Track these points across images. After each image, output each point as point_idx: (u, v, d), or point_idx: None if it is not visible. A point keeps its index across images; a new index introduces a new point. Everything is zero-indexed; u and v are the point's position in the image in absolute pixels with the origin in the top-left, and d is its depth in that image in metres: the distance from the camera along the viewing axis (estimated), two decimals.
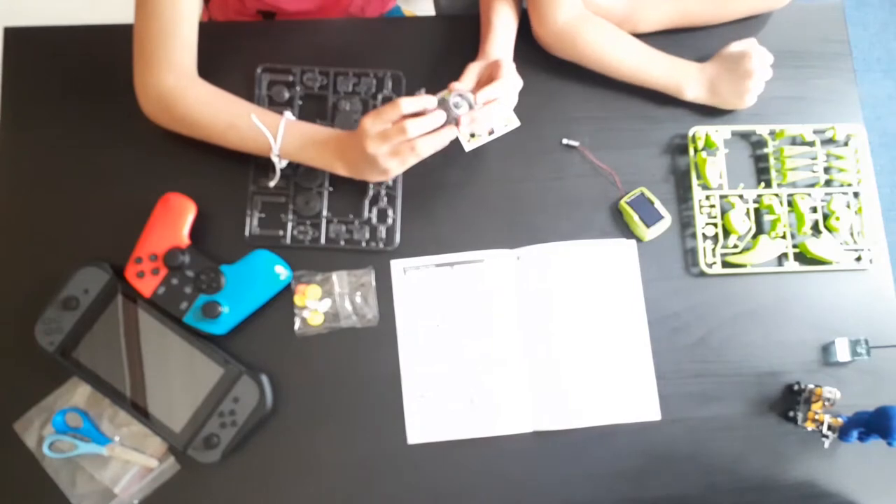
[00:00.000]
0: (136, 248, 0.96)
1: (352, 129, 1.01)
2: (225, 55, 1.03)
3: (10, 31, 1.06)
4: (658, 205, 1.02)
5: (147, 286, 0.95)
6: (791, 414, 0.98)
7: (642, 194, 1.03)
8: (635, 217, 1.01)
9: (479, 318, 1.00)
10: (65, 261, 0.97)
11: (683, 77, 1.04)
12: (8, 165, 1.03)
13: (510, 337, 1.00)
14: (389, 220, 1.02)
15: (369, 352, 0.99)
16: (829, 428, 0.94)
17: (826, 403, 0.95)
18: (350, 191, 1.02)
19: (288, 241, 1.01)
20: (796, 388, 0.99)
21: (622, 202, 1.03)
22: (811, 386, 0.97)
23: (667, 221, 1.02)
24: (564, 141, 1.05)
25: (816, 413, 0.95)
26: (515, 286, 1.01)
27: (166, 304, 0.96)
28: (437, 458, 0.97)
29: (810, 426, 0.96)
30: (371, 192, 1.03)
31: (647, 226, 1.01)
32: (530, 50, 1.05)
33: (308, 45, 1.08)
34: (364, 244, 1.01)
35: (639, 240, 1.03)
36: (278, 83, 1.05)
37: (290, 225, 1.01)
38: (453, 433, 0.98)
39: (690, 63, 1.06)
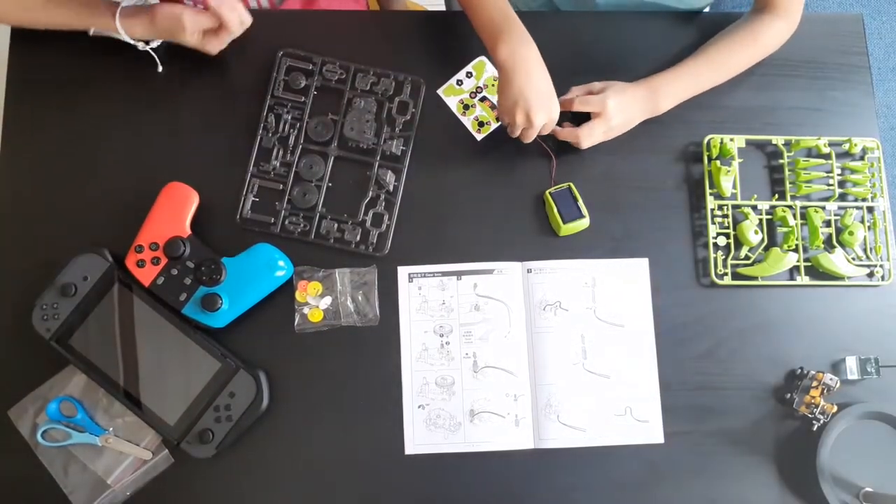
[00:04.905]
0: (137, 235, 0.95)
1: (362, 128, 1.02)
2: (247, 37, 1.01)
3: None
4: (581, 203, 1.00)
5: (146, 275, 0.94)
6: (788, 396, 0.97)
7: (569, 189, 1.01)
8: (555, 209, 1.00)
9: (484, 330, 0.99)
10: (66, 248, 0.95)
11: None
12: (12, 150, 1.01)
13: (515, 351, 0.99)
14: (383, 226, 1.00)
15: (369, 352, 0.98)
16: (822, 412, 0.94)
17: (825, 390, 0.95)
18: (349, 189, 1.01)
19: (278, 229, 0.99)
20: (799, 372, 0.98)
21: (546, 192, 1.01)
22: (813, 371, 0.96)
23: (585, 221, 1.00)
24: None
25: (813, 398, 0.95)
26: (523, 299, 1.00)
27: (165, 294, 0.94)
28: (435, 469, 0.96)
29: (804, 411, 0.95)
30: (370, 195, 1.01)
31: (564, 221, 1.00)
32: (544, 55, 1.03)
33: (321, 34, 1.07)
34: (353, 246, 0.99)
35: (554, 232, 1.02)
36: (297, 70, 1.03)
37: (282, 214, 1.00)
38: (452, 446, 0.96)
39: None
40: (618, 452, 0.97)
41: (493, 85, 1.06)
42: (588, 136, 1.00)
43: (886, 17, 2.14)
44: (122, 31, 0.94)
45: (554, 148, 1.03)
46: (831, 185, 1.04)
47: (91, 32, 1.00)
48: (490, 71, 1.06)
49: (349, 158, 1.02)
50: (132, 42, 0.97)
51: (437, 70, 1.06)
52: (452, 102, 1.05)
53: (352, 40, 1.07)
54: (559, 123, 0.99)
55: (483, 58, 1.06)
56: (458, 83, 1.06)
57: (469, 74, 1.06)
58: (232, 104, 1.04)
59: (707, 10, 1.25)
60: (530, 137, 0.98)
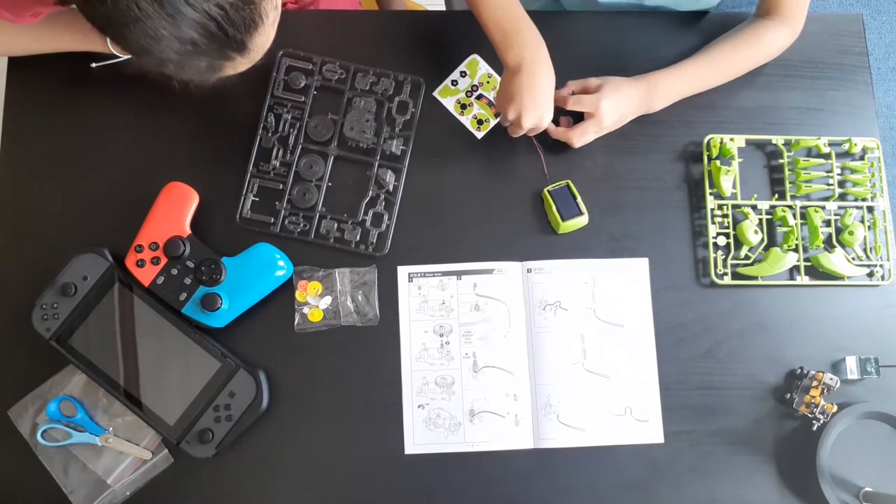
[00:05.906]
0: (137, 235, 0.95)
1: (362, 128, 1.02)
2: None
3: None
4: (580, 200, 1.00)
5: (146, 275, 0.94)
6: (788, 396, 0.97)
7: (567, 186, 1.01)
8: (554, 207, 1.00)
9: (484, 329, 0.99)
10: (66, 248, 0.95)
11: None
12: (12, 149, 1.01)
13: (515, 350, 0.98)
14: (383, 226, 1.00)
15: (369, 352, 0.98)
16: (822, 412, 0.93)
17: (825, 390, 0.95)
18: (349, 189, 1.01)
19: (277, 229, 0.99)
20: (799, 371, 0.98)
21: (545, 190, 1.01)
22: (813, 371, 0.96)
23: (584, 219, 1.01)
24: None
25: (813, 397, 0.95)
26: (522, 299, 1.00)
27: (165, 294, 0.94)
28: (434, 469, 0.96)
29: (804, 411, 0.95)
30: (370, 194, 1.01)
31: (563, 219, 1.00)
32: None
33: (321, 34, 1.07)
34: (353, 245, 0.99)
35: (554, 231, 1.02)
36: (297, 69, 1.03)
37: (282, 213, 1.00)
38: (452, 446, 0.96)
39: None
40: (618, 452, 0.97)
41: (487, 82, 1.06)
42: (580, 137, 1.00)
43: (886, 17, 2.14)
44: (117, 52, 0.96)
45: (542, 145, 1.03)
46: (831, 184, 1.04)
47: (93, 66, 1.01)
48: (484, 68, 1.06)
49: (349, 158, 1.02)
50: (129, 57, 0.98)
51: (437, 70, 1.06)
52: (449, 103, 1.05)
53: (352, 40, 1.07)
54: (555, 117, 0.98)
55: (476, 56, 1.06)
56: (452, 83, 1.06)
57: (463, 74, 1.06)
58: (232, 104, 1.04)
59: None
60: (516, 134, 0.99)
